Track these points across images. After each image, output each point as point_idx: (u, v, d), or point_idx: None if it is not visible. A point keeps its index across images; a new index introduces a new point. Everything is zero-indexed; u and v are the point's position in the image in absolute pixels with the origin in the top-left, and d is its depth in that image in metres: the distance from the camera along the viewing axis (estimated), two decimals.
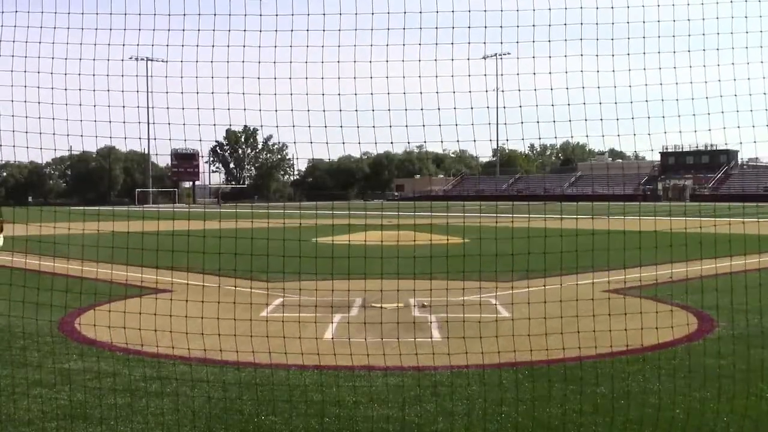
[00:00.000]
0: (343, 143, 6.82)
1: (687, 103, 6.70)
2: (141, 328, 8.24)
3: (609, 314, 9.12)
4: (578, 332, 8.07)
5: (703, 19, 6.54)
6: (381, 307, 11.20)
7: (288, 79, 6.52)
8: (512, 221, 9.44)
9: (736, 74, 6.72)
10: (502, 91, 7.09)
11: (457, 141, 6.99)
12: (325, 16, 6.42)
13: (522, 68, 6.80)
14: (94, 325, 9.33)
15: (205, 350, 8.15)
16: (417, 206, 53.60)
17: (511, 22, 6.59)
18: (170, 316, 8.13)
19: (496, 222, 8.91)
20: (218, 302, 8.59)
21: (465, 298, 10.66)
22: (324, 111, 6.65)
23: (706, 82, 6.67)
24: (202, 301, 8.34)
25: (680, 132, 6.96)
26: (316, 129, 6.74)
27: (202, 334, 8.17)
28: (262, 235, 8.57)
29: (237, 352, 8.07)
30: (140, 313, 8.52)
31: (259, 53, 6.44)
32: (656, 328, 8.55)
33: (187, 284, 12.77)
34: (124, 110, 6.77)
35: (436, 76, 6.62)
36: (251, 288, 12.89)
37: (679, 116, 6.79)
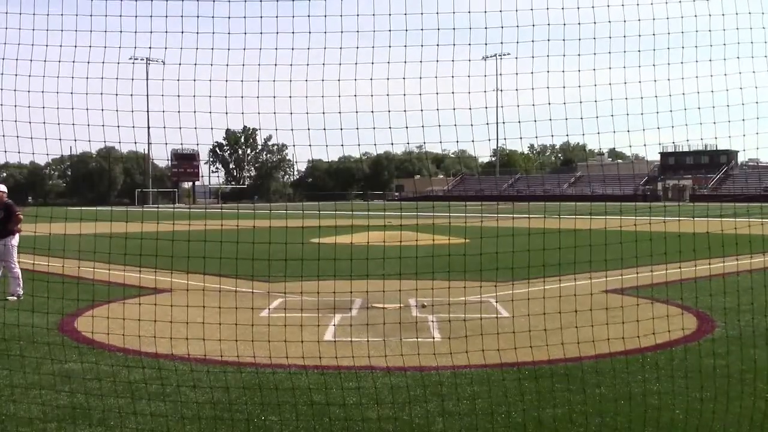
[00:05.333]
0: (343, 145, 6.76)
1: (686, 100, 6.73)
2: (141, 328, 8.26)
3: (609, 314, 9.12)
4: (578, 332, 8.08)
5: (697, 16, 6.58)
6: (381, 308, 11.20)
7: (288, 82, 6.51)
8: (515, 221, 9.45)
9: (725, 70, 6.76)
10: (501, 90, 7.13)
11: (457, 142, 6.97)
12: (326, 18, 6.43)
13: (521, 68, 6.81)
14: (94, 326, 9.33)
15: (205, 351, 8.16)
16: (418, 206, 53.57)
17: (512, 23, 6.59)
18: (170, 316, 8.14)
19: (497, 222, 8.92)
20: (219, 302, 8.60)
21: (465, 298, 10.67)
22: (323, 113, 6.64)
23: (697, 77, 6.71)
24: (199, 300, 8.34)
25: (686, 126, 6.93)
26: (316, 130, 6.73)
27: (211, 333, 8.17)
28: (261, 235, 8.57)
29: (236, 351, 8.09)
30: (140, 314, 8.53)
31: (259, 54, 6.44)
32: (656, 328, 8.56)
33: (186, 283, 12.77)
34: (122, 109, 6.76)
35: (436, 77, 6.60)
36: (249, 288, 12.89)
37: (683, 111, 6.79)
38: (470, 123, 6.88)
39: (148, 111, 7.11)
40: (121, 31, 6.50)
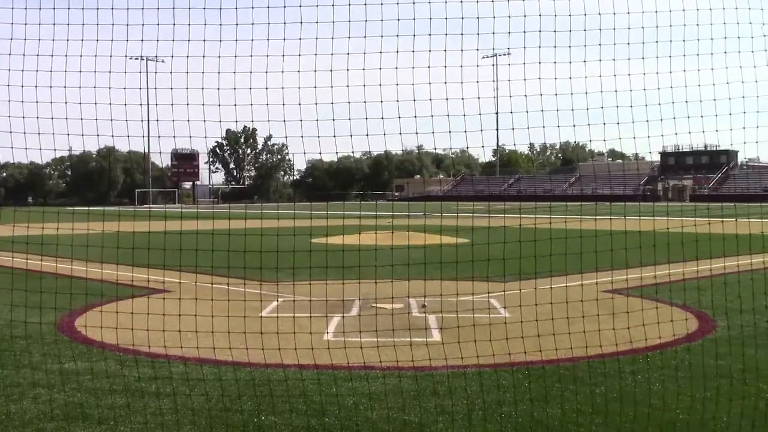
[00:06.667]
0: (364, 136, 6.67)
1: (685, 97, 6.76)
2: (140, 328, 8.23)
3: (608, 314, 9.13)
4: (577, 332, 8.08)
5: (685, 10, 6.63)
6: (380, 308, 11.19)
7: (281, 73, 6.53)
8: (512, 221, 9.43)
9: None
10: (497, 83, 7.13)
11: (449, 132, 6.95)
12: (334, 7, 6.43)
13: (521, 66, 6.82)
14: (93, 326, 9.32)
15: (203, 350, 8.15)
16: (417, 207, 53.62)
17: (514, 23, 6.61)
18: (170, 316, 8.14)
19: (488, 221, 8.90)
20: (218, 302, 8.60)
21: (464, 298, 10.67)
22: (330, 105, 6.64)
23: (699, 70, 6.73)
24: (198, 300, 8.34)
25: (686, 119, 6.95)
26: (315, 129, 6.73)
27: (209, 333, 8.17)
28: (261, 234, 8.56)
29: (236, 351, 8.08)
30: (139, 314, 8.52)
31: (251, 45, 6.45)
32: (656, 328, 8.55)
33: (185, 284, 12.77)
34: (121, 109, 6.78)
35: (429, 67, 6.61)
36: (248, 287, 12.88)
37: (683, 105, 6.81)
38: (464, 113, 6.89)
39: (148, 109, 7.12)
40: (113, 24, 6.53)
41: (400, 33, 6.42)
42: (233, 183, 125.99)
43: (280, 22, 6.39)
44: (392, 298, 10.35)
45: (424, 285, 9.07)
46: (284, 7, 6.38)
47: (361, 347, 8.09)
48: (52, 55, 6.62)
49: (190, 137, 6.87)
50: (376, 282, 8.56)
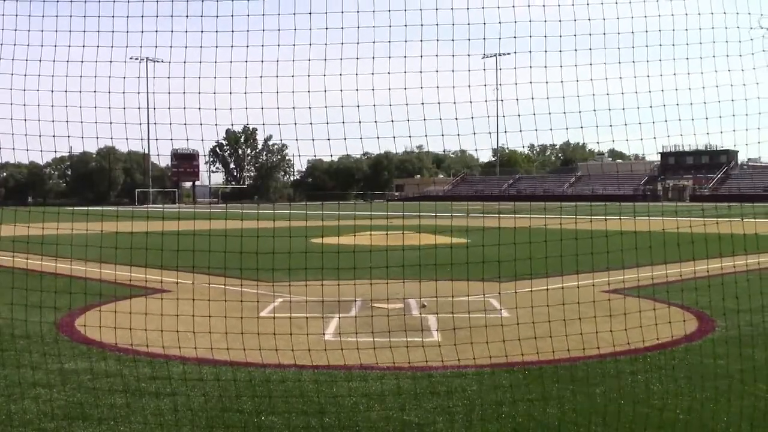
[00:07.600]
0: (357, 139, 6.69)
1: (665, 97, 6.82)
2: (140, 328, 8.26)
3: (608, 314, 9.13)
4: (576, 333, 8.08)
5: (674, 15, 6.70)
6: (379, 308, 11.19)
7: (275, 77, 6.57)
8: (512, 221, 9.43)
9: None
10: (500, 85, 7.18)
11: (442, 135, 6.99)
12: (327, 15, 6.45)
13: (521, 66, 6.86)
14: (93, 326, 9.33)
15: (203, 350, 8.16)
16: (417, 207, 53.55)
17: (513, 24, 6.64)
18: (170, 316, 8.14)
19: (483, 221, 8.91)
20: (217, 302, 8.60)
21: (463, 298, 10.67)
22: (326, 107, 6.67)
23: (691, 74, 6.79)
24: (197, 300, 8.34)
25: (681, 120, 7.00)
26: (316, 129, 6.76)
27: (207, 333, 8.18)
28: (260, 234, 8.57)
29: (235, 351, 8.09)
30: (139, 314, 8.53)
31: (246, 50, 6.48)
32: (656, 328, 8.56)
33: (184, 284, 12.78)
34: (122, 110, 6.80)
35: (420, 70, 6.65)
36: (247, 288, 12.89)
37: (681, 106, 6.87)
38: (470, 116, 6.93)
39: (147, 111, 7.15)
40: (113, 31, 6.56)
41: (397, 38, 6.46)
42: (233, 183, 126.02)
43: (274, 29, 6.43)
44: (388, 298, 10.36)
45: (420, 285, 9.08)
46: (277, 12, 6.40)
47: (357, 348, 8.10)
48: (54, 60, 6.67)
49: (188, 139, 6.88)
50: (371, 282, 8.58)
